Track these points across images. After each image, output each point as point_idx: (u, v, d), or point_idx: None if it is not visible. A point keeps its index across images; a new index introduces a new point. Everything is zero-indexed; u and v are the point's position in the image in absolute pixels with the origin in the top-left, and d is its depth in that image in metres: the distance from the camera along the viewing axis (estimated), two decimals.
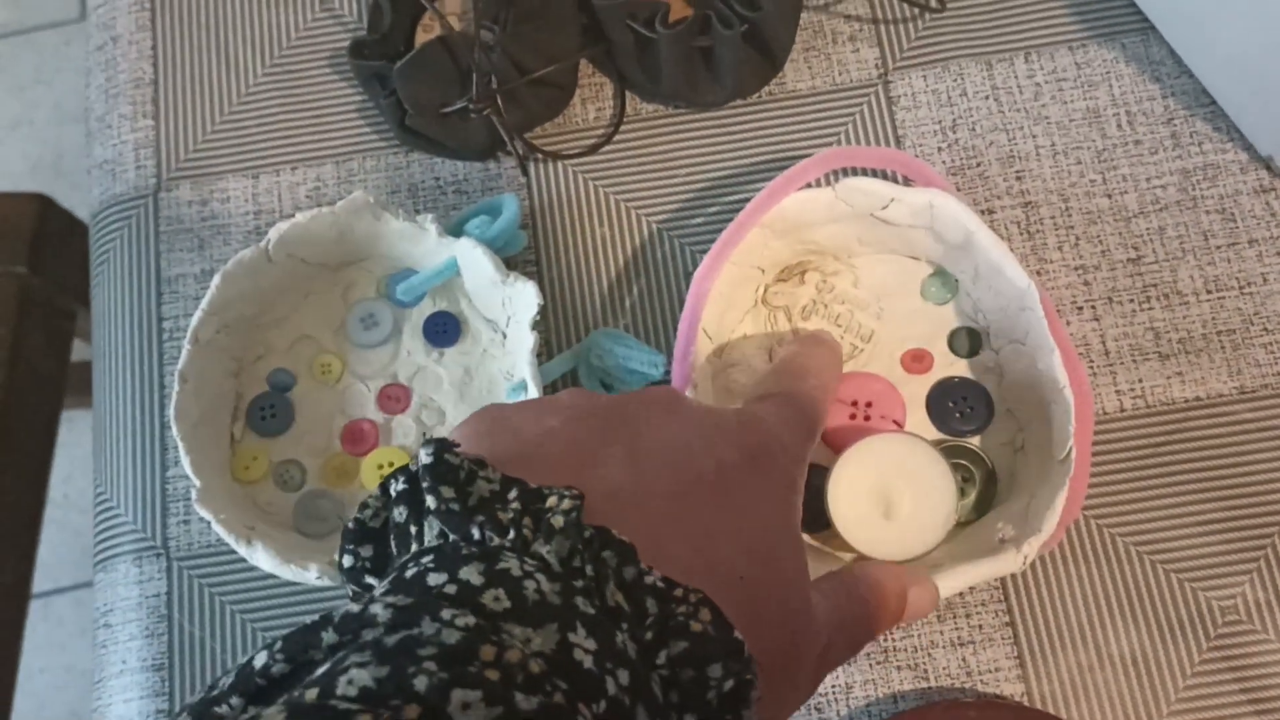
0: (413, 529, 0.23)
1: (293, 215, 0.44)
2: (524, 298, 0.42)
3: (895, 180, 0.43)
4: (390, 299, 0.46)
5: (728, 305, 0.44)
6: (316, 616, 0.20)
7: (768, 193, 0.42)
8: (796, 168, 0.42)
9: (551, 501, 0.23)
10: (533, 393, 0.41)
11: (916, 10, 0.48)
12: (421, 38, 0.48)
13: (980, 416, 0.43)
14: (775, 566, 0.26)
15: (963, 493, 0.42)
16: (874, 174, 0.44)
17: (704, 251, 0.47)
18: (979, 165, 0.47)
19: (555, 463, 0.25)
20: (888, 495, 0.40)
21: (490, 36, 0.44)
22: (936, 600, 0.34)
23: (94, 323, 0.49)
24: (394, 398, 0.45)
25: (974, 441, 0.43)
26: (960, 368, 0.44)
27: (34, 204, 0.81)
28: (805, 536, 0.42)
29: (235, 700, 0.19)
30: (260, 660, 0.19)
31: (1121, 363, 0.44)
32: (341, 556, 0.25)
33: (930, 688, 0.41)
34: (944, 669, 0.41)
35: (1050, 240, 0.46)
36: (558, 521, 0.22)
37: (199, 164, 0.49)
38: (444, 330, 0.45)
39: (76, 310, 0.86)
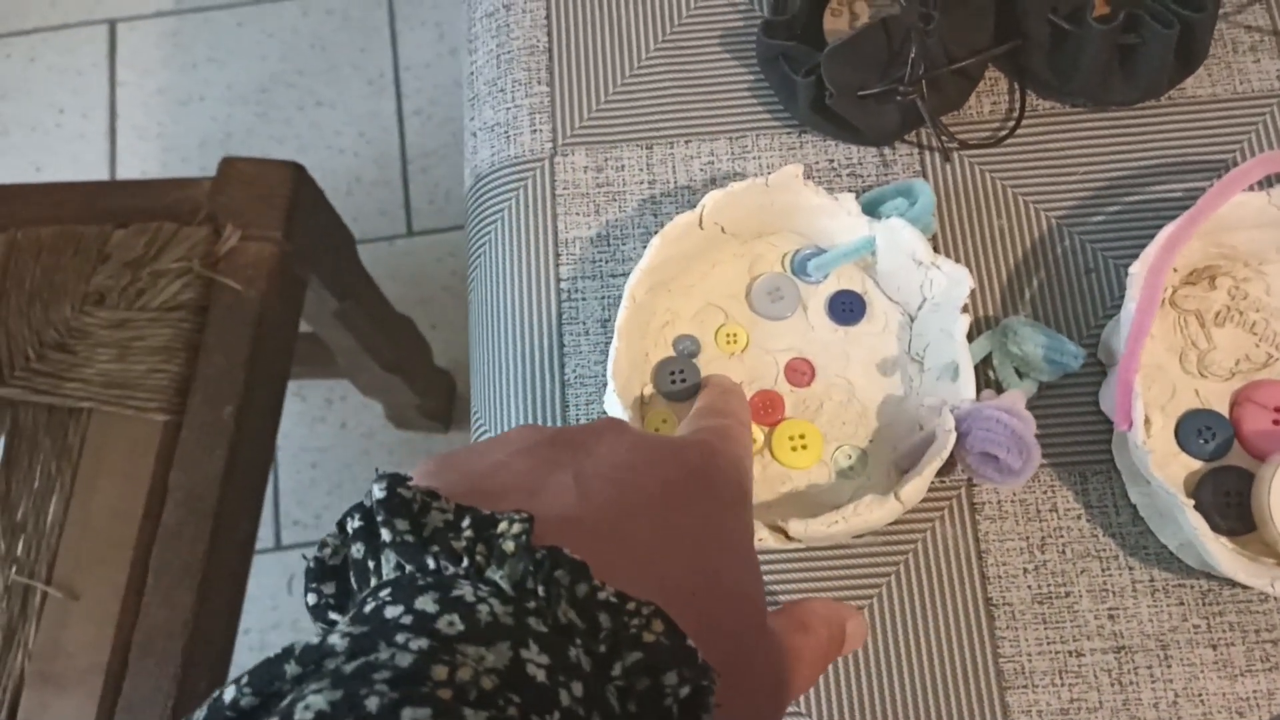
0: (370, 564, 0.24)
1: (689, 187, 0.45)
2: (954, 280, 0.42)
3: None
4: (795, 274, 0.46)
5: None
6: (279, 650, 0.20)
7: (1218, 190, 0.42)
8: (1244, 166, 0.42)
9: (503, 527, 0.23)
10: (965, 375, 0.42)
11: None
12: (830, 21, 0.48)
13: None
14: (727, 577, 0.26)
15: None
16: None
17: (1107, 249, 0.47)
18: None
19: (505, 492, 0.25)
20: None
21: (926, 24, 0.45)
22: (867, 632, 0.34)
23: (474, 277, 0.50)
24: (800, 371, 0.45)
25: None
26: None
27: (290, 172, 0.82)
28: (1225, 540, 0.42)
29: None
30: (229, 694, 0.20)
31: None
32: (306, 594, 0.25)
33: None
34: None
35: None
36: (509, 546, 0.22)
37: (593, 132, 0.50)
38: (849, 309, 0.46)
39: (309, 278, 0.87)
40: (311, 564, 0.25)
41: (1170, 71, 0.47)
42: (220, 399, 0.76)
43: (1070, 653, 0.42)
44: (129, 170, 1.40)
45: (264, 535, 1.23)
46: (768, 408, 0.45)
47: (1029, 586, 0.43)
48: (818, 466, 0.44)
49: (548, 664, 0.20)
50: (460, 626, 0.20)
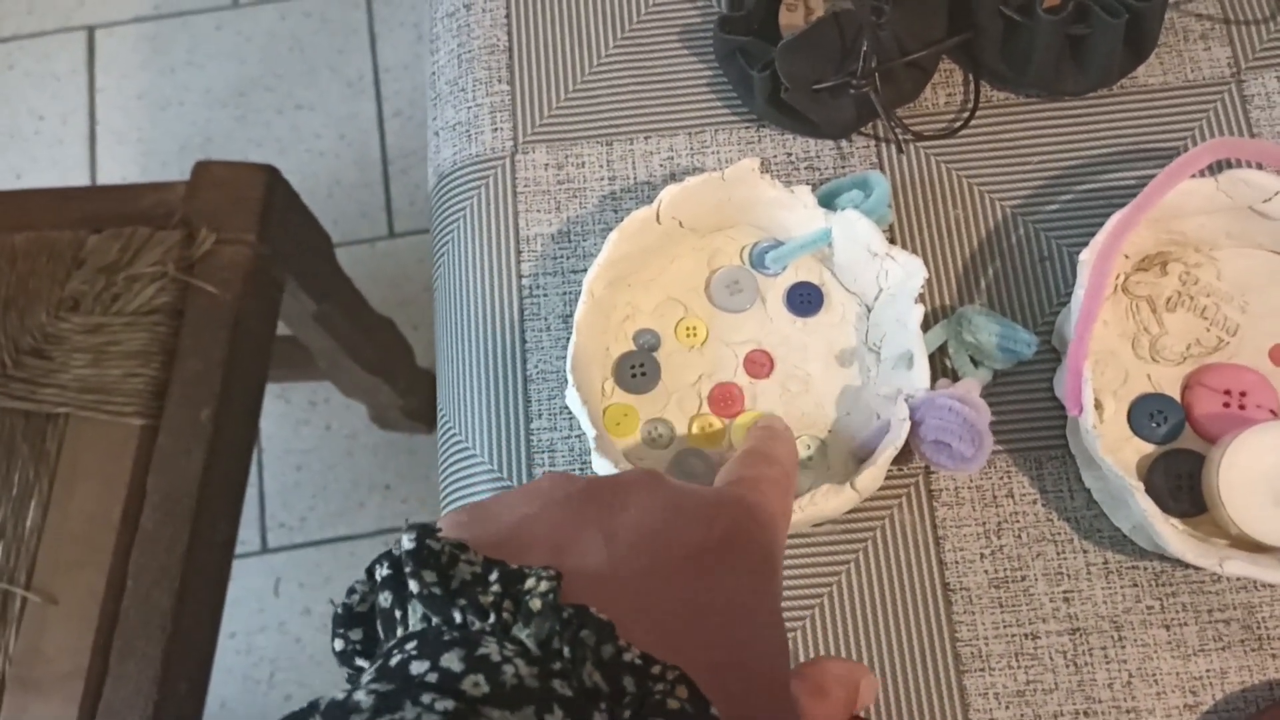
0: (398, 613, 0.24)
1: (649, 183, 0.45)
2: (909, 270, 0.43)
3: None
4: (754, 267, 0.47)
5: None
6: (305, 704, 0.20)
7: (1165, 177, 0.42)
8: (1190, 153, 0.42)
9: (530, 583, 0.23)
10: (919, 364, 0.42)
11: (1269, 11, 0.49)
12: (785, 16, 0.49)
13: None
14: (751, 652, 0.26)
15: None
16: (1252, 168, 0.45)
17: (1061, 237, 0.47)
18: None
19: (533, 546, 0.25)
20: None
21: (878, 17, 0.45)
22: (878, 688, 0.34)
23: (439, 275, 0.50)
24: (758, 363, 0.46)
25: None
26: None
27: (263, 175, 0.82)
28: (1176, 522, 0.42)
29: None
30: None
31: None
32: (333, 640, 0.25)
33: None
34: None
35: None
36: (535, 604, 0.22)
37: (553, 129, 0.50)
38: (807, 300, 0.46)
39: (286, 281, 0.88)
40: (339, 610, 0.25)
41: (1121, 60, 0.47)
42: (197, 402, 0.76)
43: (1026, 635, 0.42)
44: (109, 175, 1.40)
45: (250, 538, 1.23)
46: (727, 400, 0.45)
47: (985, 571, 0.43)
48: None
49: None
50: (485, 688, 0.20)
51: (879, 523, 0.44)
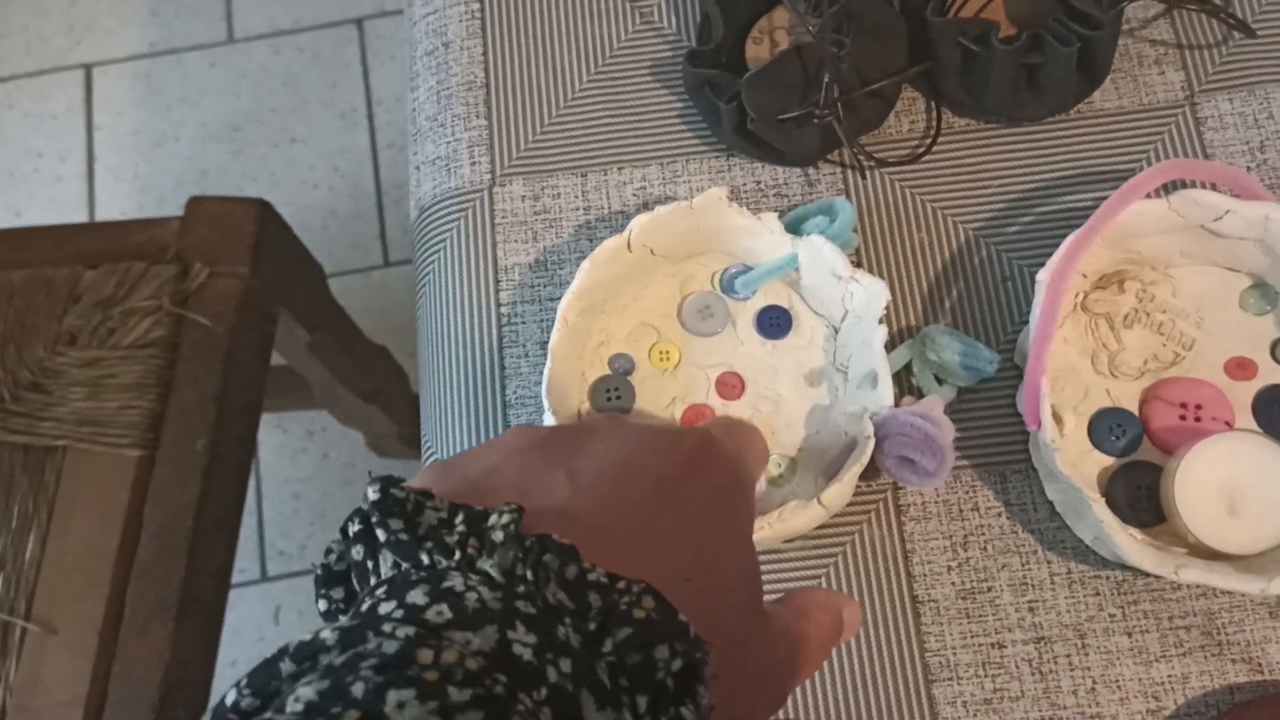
0: (370, 564, 0.25)
1: (623, 212, 0.47)
2: (872, 293, 0.45)
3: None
4: (725, 292, 0.48)
5: None
6: (276, 650, 0.21)
7: (1116, 199, 0.44)
8: (1141, 175, 0.44)
9: (493, 519, 0.24)
10: (883, 383, 0.44)
11: (1221, 36, 0.51)
12: (752, 49, 0.51)
13: None
14: (717, 567, 0.27)
15: None
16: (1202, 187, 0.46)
17: (1021, 259, 0.49)
18: None
19: (500, 492, 0.26)
20: (1236, 491, 0.42)
21: (838, 49, 0.47)
22: (861, 619, 0.35)
23: (421, 305, 0.52)
24: (730, 385, 0.47)
25: None
26: None
27: (255, 209, 0.84)
28: (1136, 531, 0.44)
29: None
30: (230, 697, 0.21)
31: None
32: (317, 601, 0.27)
33: (1265, 680, 0.43)
34: (1277, 663, 0.43)
35: None
36: (498, 536, 0.23)
37: (530, 162, 0.52)
38: (776, 324, 0.48)
39: (279, 313, 0.89)
40: (319, 571, 0.26)
41: (1076, 86, 0.49)
42: (192, 433, 0.77)
43: (993, 645, 0.44)
44: (107, 211, 1.42)
45: (249, 567, 1.24)
46: (700, 421, 0.47)
47: (953, 583, 0.45)
48: None
49: (534, 643, 0.21)
50: (448, 615, 0.21)
51: (849, 538, 0.46)
